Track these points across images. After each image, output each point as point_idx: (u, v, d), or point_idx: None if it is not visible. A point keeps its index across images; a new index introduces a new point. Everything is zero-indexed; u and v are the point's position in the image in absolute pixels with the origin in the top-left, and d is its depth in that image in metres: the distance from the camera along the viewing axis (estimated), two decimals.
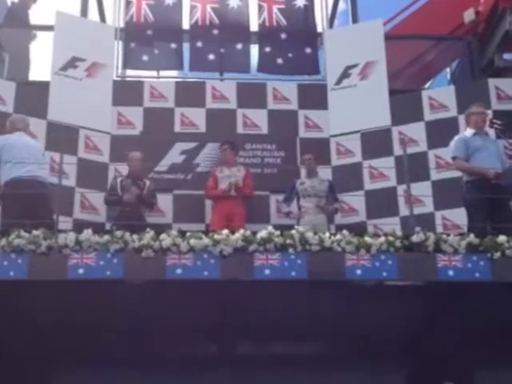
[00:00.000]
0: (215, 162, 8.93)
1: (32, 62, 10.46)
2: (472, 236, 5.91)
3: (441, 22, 10.74)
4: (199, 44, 10.09)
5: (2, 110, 8.73)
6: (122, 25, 10.03)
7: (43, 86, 9.12)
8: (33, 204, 6.53)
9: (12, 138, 7.13)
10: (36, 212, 6.40)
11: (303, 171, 8.66)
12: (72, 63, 9.33)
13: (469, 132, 7.26)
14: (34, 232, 5.73)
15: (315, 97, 9.62)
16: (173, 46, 10.04)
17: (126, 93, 9.49)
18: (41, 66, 10.60)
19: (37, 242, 5.65)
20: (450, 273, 5.71)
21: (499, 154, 7.23)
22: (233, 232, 5.81)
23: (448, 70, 11.72)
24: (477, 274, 5.72)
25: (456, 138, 7.27)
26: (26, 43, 10.58)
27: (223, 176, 8.45)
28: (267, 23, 10.21)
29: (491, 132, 7.61)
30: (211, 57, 10.03)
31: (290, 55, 10.09)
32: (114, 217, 8.23)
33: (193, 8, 10.18)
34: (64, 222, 7.05)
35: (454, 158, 7.20)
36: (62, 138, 8.44)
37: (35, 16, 10.96)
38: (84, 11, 10.21)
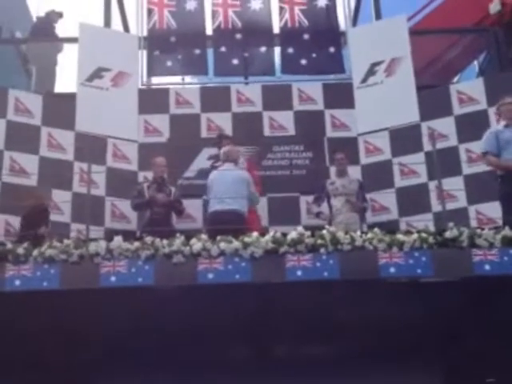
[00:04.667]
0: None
1: (58, 75, 10.57)
2: (507, 229, 5.79)
3: (466, 15, 10.61)
4: (223, 49, 10.09)
5: (30, 123, 8.81)
6: (145, 33, 10.08)
7: (70, 98, 9.17)
8: None
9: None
10: None
11: (332, 171, 8.57)
12: (97, 74, 9.36)
13: (501, 124, 7.14)
14: (66, 241, 5.76)
15: (341, 96, 9.54)
16: (196, 51, 10.05)
17: (151, 101, 9.53)
18: (67, 77, 10.73)
19: (68, 252, 5.68)
20: (487, 267, 5.61)
21: None
22: (263, 234, 5.77)
23: (476, 62, 11.56)
24: None
25: (487, 131, 7.14)
26: (53, 56, 10.70)
27: None
28: (289, 24, 10.17)
29: None
30: (235, 61, 10.02)
31: (313, 55, 10.04)
32: (143, 225, 8.22)
33: (215, 13, 10.19)
34: (96, 231, 7.12)
35: (484, 154, 7.08)
36: (90, 148, 8.55)
37: (60, 29, 11.11)
38: (107, 22, 10.29)
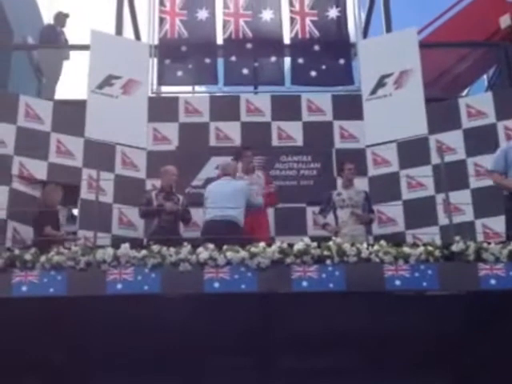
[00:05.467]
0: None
1: (68, 82, 10.67)
2: None
3: (476, 29, 10.62)
4: (233, 58, 10.14)
5: (39, 129, 8.87)
6: (156, 42, 10.15)
7: (80, 105, 9.23)
8: None
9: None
10: None
11: (339, 182, 8.58)
12: (108, 81, 9.44)
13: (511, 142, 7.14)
14: (73, 248, 5.79)
15: (350, 107, 9.56)
16: (207, 60, 10.10)
17: (161, 109, 9.57)
18: (77, 84, 10.78)
19: (75, 259, 5.71)
20: (492, 282, 5.59)
21: None
22: (269, 244, 5.78)
23: (485, 76, 11.56)
24: None
25: (499, 148, 7.14)
26: (59, 64, 10.78)
27: None
28: (300, 35, 10.22)
29: None
30: (245, 71, 10.07)
31: (323, 67, 10.07)
32: (151, 233, 8.23)
33: (226, 22, 10.25)
34: (103, 238, 7.15)
35: (491, 172, 7.07)
36: (99, 155, 8.60)
37: (70, 35, 11.20)
38: (119, 29, 10.33)
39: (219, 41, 10.25)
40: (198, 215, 8.55)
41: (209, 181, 8.90)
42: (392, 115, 9.23)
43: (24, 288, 5.61)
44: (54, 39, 10.98)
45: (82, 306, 5.66)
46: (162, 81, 10.08)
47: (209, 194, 7.73)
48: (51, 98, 9.82)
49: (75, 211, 9.11)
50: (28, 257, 5.74)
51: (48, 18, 11.77)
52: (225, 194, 7.49)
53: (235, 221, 7.27)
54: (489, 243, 5.87)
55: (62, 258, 5.71)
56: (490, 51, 10.85)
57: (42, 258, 5.73)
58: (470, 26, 10.61)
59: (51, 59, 10.77)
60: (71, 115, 9.13)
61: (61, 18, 11.23)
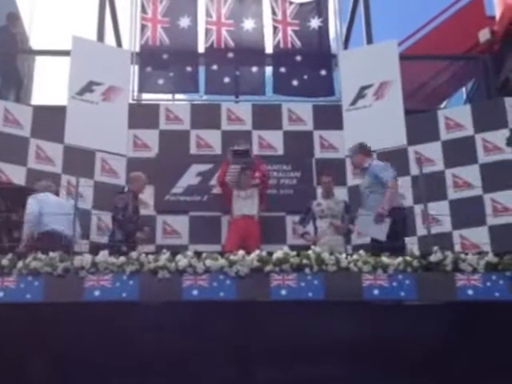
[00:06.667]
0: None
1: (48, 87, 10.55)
2: (491, 255, 5.83)
3: (456, 42, 10.73)
4: (214, 67, 10.17)
5: (19, 135, 8.82)
6: (137, 49, 10.13)
7: (60, 111, 9.19)
8: None
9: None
10: None
11: (319, 192, 8.62)
12: (89, 87, 9.42)
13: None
14: (51, 254, 5.74)
15: (330, 117, 9.63)
16: (188, 69, 10.12)
17: (141, 116, 9.56)
18: (56, 90, 10.69)
19: (53, 265, 5.66)
20: (470, 292, 5.63)
21: None
22: (248, 253, 5.78)
23: (464, 89, 11.69)
24: (496, 294, 5.64)
25: None
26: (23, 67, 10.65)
27: (238, 198, 8.46)
28: (282, 45, 10.29)
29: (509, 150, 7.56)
30: (226, 79, 10.11)
31: (305, 77, 10.15)
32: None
33: (208, 31, 10.28)
34: (80, 245, 7.10)
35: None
36: (79, 161, 8.55)
37: (52, 41, 11.08)
38: (100, 36, 10.31)
39: (201, 49, 10.28)
40: (180, 223, 8.58)
41: (189, 188, 8.94)
42: (372, 126, 9.30)
43: (0, 293, 5.55)
44: (8, 41, 10.57)
45: (59, 312, 5.61)
46: (142, 88, 10.08)
47: None
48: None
49: None
50: (5, 262, 5.68)
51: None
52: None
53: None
54: (466, 254, 5.92)
55: (40, 263, 5.66)
56: (469, 64, 11.00)
57: (19, 264, 5.67)
58: (449, 39, 10.73)
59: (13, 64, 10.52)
60: (51, 121, 9.11)
61: (13, 18, 10.81)
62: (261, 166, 8.69)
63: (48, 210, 7.15)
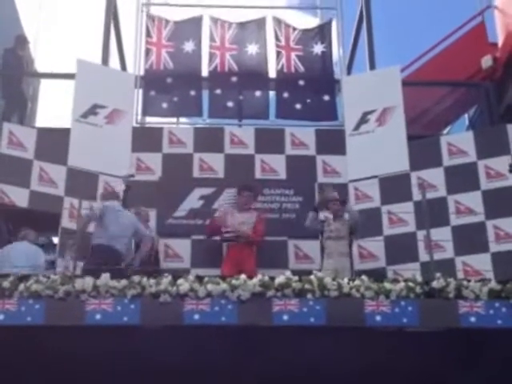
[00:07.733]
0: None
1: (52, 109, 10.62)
2: (493, 282, 5.82)
3: (458, 69, 10.79)
4: (218, 91, 10.22)
5: (23, 157, 8.85)
6: (142, 72, 10.20)
7: (63, 133, 9.23)
8: None
9: None
10: None
11: (321, 216, 8.55)
12: (93, 110, 9.46)
13: None
14: (52, 277, 5.73)
15: (333, 142, 9.64)
16: (192, 93, 10.17)
17: (145, 139, 9.58)
18: (60, 112, 10.73)
19: (54, 288, 5.64)
20: (472, 319, 5.61)
21: None
22: (250, 277, 5.76)
23: (466, 116, 11.73)
24: (499, 321, 5.61)
25: None
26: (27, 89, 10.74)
27: (233, 221, 8.42)
28: (285, 69, 10.35)
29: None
30: (230, 104, 10.16)
31: (308, 101, 10.19)
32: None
33: (212, 55, 10.35)
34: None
35: None
36: (82, 183, 8.57)
37: (58, 63, 11.17)
38: (105, 59, 10.38)
39: (204, 73, 10.33)
40: (181, 246, 8.57)
41: (192, 212, 8.93)
42: (374, 151, 9.32)
43: (1, 316, 5.54)
44: (15, 64, 10.68)
45: (59, 335, 5.58)
46: (146, 112, 10.13)
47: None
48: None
49: (55, 239, 9.06)
50: (6, 284, 5.67)
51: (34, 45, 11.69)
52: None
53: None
54: (469, 281, 5.91)
55: (41, 286, 5.65)
56: (472, 91, 11.04)
57: (21, 287, 5.66)
58: (452, 66, 10.78)
59: (18, 86, 10.64)
60: (55, 143, 9.13)
61: (21, 41, 10.93)
62: (258, 226, 8.44)
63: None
